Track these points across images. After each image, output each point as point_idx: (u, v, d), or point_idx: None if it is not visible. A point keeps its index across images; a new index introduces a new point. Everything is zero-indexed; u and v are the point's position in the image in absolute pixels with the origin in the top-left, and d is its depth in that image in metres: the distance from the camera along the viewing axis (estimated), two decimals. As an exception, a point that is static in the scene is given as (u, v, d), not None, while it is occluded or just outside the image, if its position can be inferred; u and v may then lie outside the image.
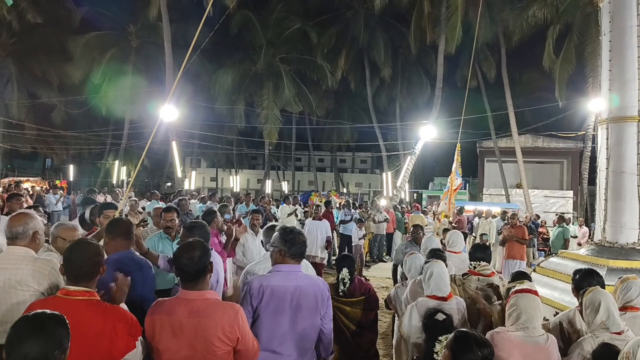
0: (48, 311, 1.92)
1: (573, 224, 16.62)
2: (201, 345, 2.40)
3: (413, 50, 25.57)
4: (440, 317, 2.79)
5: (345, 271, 4.04)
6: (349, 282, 4.06)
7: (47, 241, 3.68)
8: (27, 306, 2.83)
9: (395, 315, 4.49)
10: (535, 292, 2.77)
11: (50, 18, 25.76)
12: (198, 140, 32.96)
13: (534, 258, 13.11)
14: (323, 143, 44.54)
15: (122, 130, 29.87)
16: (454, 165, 10.72)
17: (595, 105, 17.84)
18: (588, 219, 19.54)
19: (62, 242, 3.55)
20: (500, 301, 4.00)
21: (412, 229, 6.98)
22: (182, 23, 27.04)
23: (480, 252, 4.42)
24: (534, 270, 6.92)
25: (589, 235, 16.25)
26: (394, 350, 4.56)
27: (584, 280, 3.37)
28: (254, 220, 5.92)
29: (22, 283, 2.86)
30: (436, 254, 4.07)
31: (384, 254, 14.43)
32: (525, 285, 3.15)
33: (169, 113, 15.28)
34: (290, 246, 2.98)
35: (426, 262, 3.64)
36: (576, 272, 3.53)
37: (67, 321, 1.94)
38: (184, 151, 36.93)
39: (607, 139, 6.08)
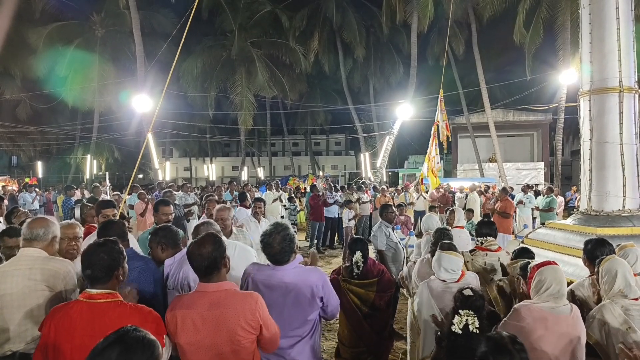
0: (132, 331, 1.78)
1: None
2: (225, 336, 2.40)
3: (385, 30, 25.56)
4: (467, 292, 2.85)
5: (359, 254, 4.04)
6: (362, 264, 4.06)
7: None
8: (45, 308, 2.81)
9: (408, 295, 4.54)
10: (556, 264, 2.86)
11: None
12: (170, 129, 32.39)
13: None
14: (297, 127, 44.38)
15: (91, 123, 29.05)
16: (437, 113, 10.74)
17: (566, 78, 18.26)
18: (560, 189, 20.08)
19: (61, 242, 3.43)
20: (500, 278, 4.08)
21: (381, 209, 6.24)
22: (148, 10, 26.32)
23: (486, 227, 4.48)
24: (522, 242, 7.10)
25: (565, 205, 16.77)
26: (408, 328, 4.63)
27: (596, 250, 3.45)
28: (257, 208, 5.90)
29: (41, 284, 2.84)
30: (443, 234, 4.13)
31: (369, 235, 14.56)
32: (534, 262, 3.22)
33: (143, 104, 14.95)
34: (264, 250, 2.92)
35: (436, 246, 3.70)
36: (587, 242, 3.61)
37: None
38: (156, 142, 36.27)
39: (589, 110, 6.20)
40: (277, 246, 2.85)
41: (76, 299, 2.46)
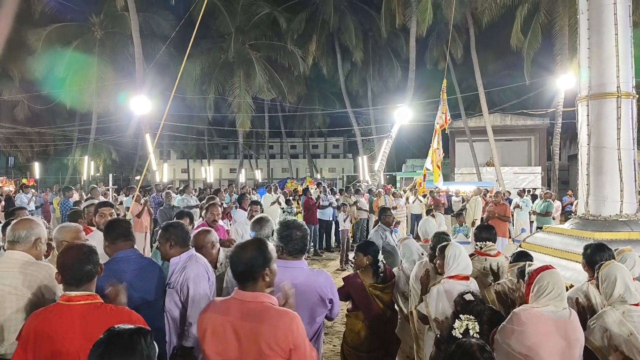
0: (128, 327, 1.81)
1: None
2: (253, 351, 2.22)
3: (383, 34, 25.62)
4: (468, 297, 2.85)
5: (382, 255, 4.03)
6: (383, 266, 4.05)
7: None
8: (23, 313, 2.76)
9: (394, 299, 4.50)
10: (554, 267, 2.86)
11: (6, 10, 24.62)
12: (168, 131, 32.35)
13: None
14: (295, 130, 44.39)
15: (89, 124, 29.02)
16: (441, 104, 10.76)
17: (564, 83, 18.34)
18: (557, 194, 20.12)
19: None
20: (498, 282, 4.08)
21: (380, 212, 6.32)
22: (147, 12, 26.32)
23: (485, 232, 4.47)
24: (520, 246, 7.12)
25: (562, 209, 16.81)
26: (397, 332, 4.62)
27: (595, 255, 3.45)
28: (253, 211, 5.89)
29: (17, 288, 2.78)
30: (442, 239, 4.12)
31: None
32: (533, 265, 3.22)
33: (142, 105, 14.94)
34: (286, 243, 2.91)
35: (442, 244, 3.70)
36: (587, 247, 3.61)
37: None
38: (155, 143, 36.20)
39: (587, 115, 6.22)
40: (299, 233, 2.93)
41: (55, 303, 2.44)
